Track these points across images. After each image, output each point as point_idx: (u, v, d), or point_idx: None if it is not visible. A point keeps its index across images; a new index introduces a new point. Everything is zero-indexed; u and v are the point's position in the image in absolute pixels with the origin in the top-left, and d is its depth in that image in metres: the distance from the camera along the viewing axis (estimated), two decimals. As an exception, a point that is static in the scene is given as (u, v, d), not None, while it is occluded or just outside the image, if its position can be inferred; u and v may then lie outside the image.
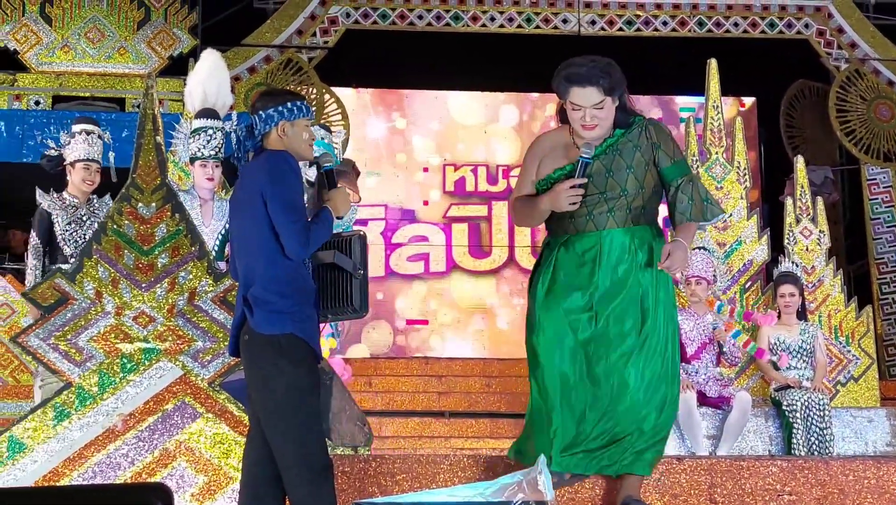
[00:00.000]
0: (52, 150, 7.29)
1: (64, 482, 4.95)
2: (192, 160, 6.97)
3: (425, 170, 13.90)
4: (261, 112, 4.51)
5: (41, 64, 11.72)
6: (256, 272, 4.36)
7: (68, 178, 7.19)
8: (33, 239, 7.15)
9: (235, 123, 7.88)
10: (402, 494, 4.72)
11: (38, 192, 7.13)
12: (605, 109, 4.66)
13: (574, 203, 4.63)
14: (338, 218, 4.56)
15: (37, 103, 11.67)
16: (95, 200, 7.19)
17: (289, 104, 4.52)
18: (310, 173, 6.69)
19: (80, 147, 7.19)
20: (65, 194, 7.17)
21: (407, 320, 13.57)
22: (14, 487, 4.26)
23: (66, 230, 7.07)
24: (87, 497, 2.85)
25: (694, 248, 7.83)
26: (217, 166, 6.97)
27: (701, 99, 9.93)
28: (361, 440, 5.59)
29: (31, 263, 7.16)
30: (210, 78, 7.35)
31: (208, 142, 6.96)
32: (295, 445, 4.24)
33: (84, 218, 7.10)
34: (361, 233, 4.65)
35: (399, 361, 11.85)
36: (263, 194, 4.34)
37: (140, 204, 5.37)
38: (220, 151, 7.06)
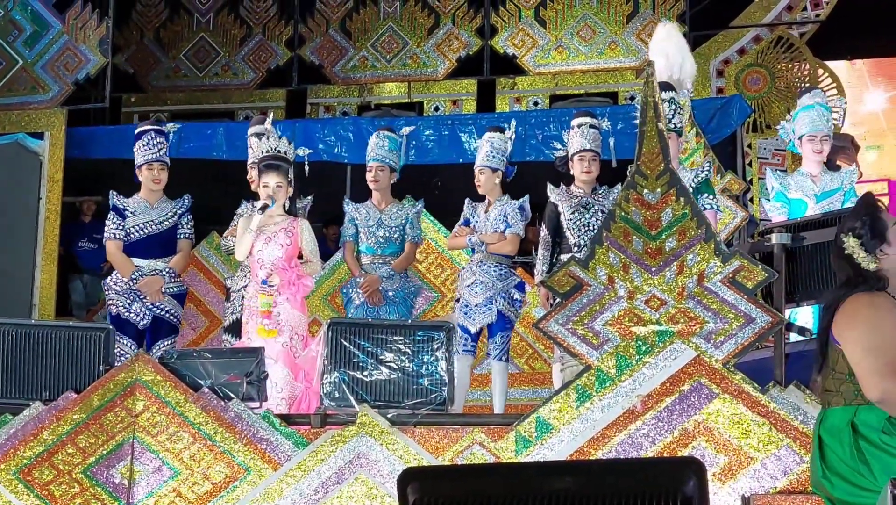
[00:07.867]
0: (561, 151, 7.65)
1: (589, 461, 5.14)
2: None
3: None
4: None
5: (538, 66, 12.26)
6: None
7: (571, 171, 7.50)
8: (543, 231, 7.53)
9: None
10: None
11: (549, 186, 7.50)
12: None
13: None
14: None
15: (535, 104, 12.22)
16: (599, 188, 7.44)
17: None
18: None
19: (578, 140, 7.47)
20: (573, 187, 7.49)
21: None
22: (555, 460, 4.51)
23: (571, 219, 7.37)
24: (621, 470, 2.95)
25: None
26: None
27: None
28: None
29: (542, 254, 7.55)
30: (670, 51, 7.42)
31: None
32: None
33: (588, 206, 7.36)
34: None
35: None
36: None
37: (645, 190, 5.47)
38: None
